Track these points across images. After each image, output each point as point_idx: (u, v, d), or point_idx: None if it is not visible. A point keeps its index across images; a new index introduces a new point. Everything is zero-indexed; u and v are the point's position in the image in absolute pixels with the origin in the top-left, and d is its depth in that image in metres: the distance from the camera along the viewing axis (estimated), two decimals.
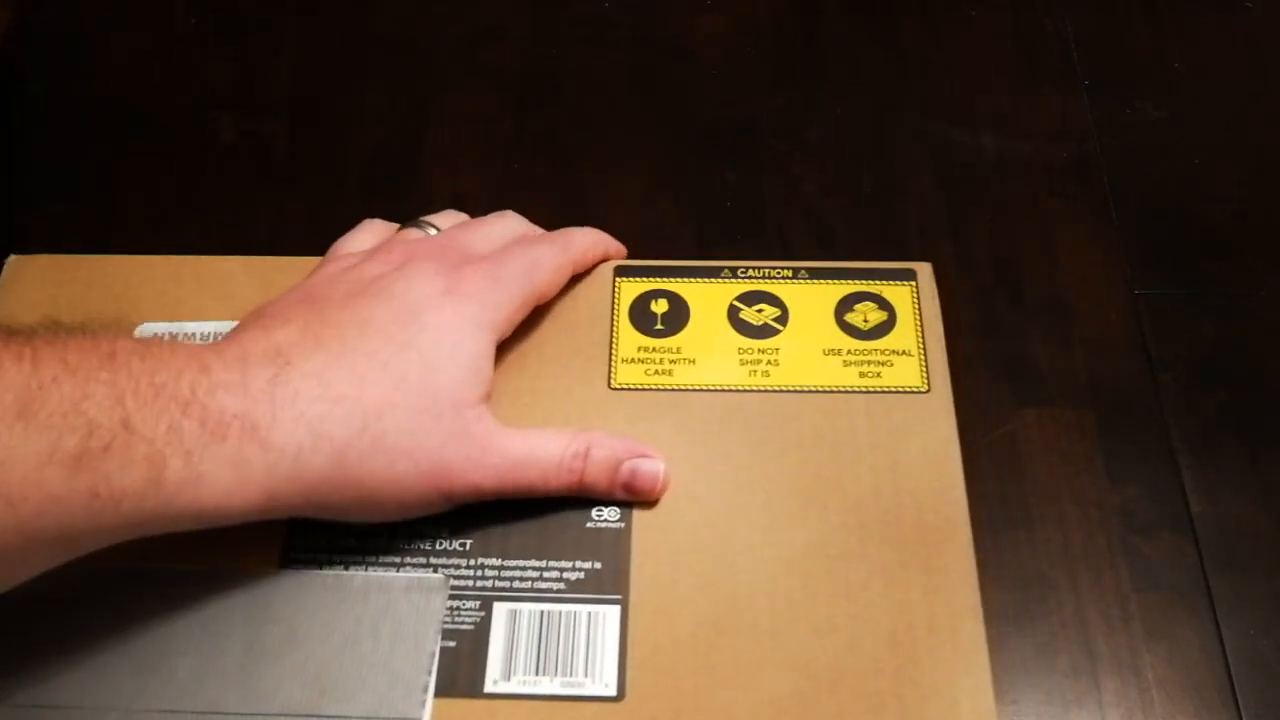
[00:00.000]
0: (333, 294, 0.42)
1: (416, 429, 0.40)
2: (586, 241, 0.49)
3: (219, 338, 0.46)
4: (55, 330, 0.37)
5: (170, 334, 0.47)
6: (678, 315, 0.48)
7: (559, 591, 0.41)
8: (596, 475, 0.42)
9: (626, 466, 0.43)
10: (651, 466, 0.43)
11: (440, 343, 0.41)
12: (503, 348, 0.46)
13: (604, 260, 0.49)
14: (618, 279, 0.49)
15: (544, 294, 0.46)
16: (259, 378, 0.38)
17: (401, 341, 0.41)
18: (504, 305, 0.44)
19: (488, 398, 0.42)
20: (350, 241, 0.47)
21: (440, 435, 0.40)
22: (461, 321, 0.42)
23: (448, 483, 0.41)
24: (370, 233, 0.48)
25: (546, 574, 0.42)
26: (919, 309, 0.48)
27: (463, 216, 0.49)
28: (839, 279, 0.49)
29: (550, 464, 0.42)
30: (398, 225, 0.48)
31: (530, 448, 0.42)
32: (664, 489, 0.43)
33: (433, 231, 0.47)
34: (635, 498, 0.43)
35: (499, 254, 0.45)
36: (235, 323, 0.47)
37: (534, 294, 0.45)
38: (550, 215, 0.53)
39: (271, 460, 0.38)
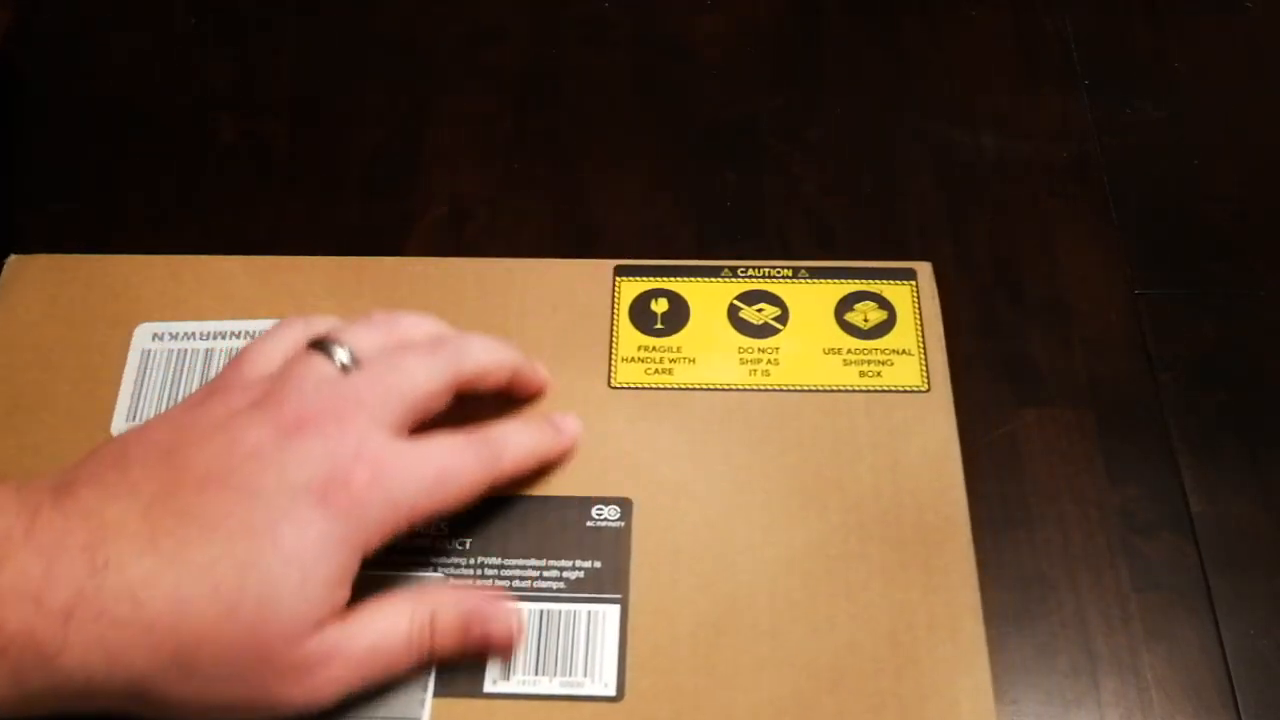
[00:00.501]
0: (196, 462, 0.36)
1: (235, 665, 0.35)
2: (522, 452, 0.42)
3: (231, 349, 0.46)
4: None
5: (170, 334, 0.47)
6: (678, 314, 0.48)
7: (558, 591, 0.41)
8: (446, 644, 0.39)
9: (477, 631, 0.39)
10: (502, 626, 0.39)
11: (289, 569, 0.35)
12: None
13: (543, 466, 0.43)
14: (618, 278, 0.49)
15: (448, 509, 0.39)
16: (61, 590, 0.33)
17: (244, 559, 0.35)
18: (386, 524, 0.37)
19: (337, 611, 0.37)
20: (259, 354, 0.41)
21: (264, 674, 0.35)
22: (325, 543, 0.36)
23: (270, 712, 0.36)
24: (284, 343, 0.41)
25: (546, 573, 0.42)
26: (919, 308, 0.48)
27: (400, 328, 0.42)
28: (839, 278, 0.49)
29: (397, 649, 0.38)
30: (315, 332, 0.41)
31: (373, 641, 0.37)
32: (520, 639, 0.40)
33: (343, 358, 0.39)
34: (493, 654, 0.40)
35: (407, 450, 0.38)
36: (235, 322, 0.47)
37: (433, 510, 0.39)
38: (550, 215, 0.53)
39: (57, 683, 0.33)
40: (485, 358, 0.42)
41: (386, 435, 0.38)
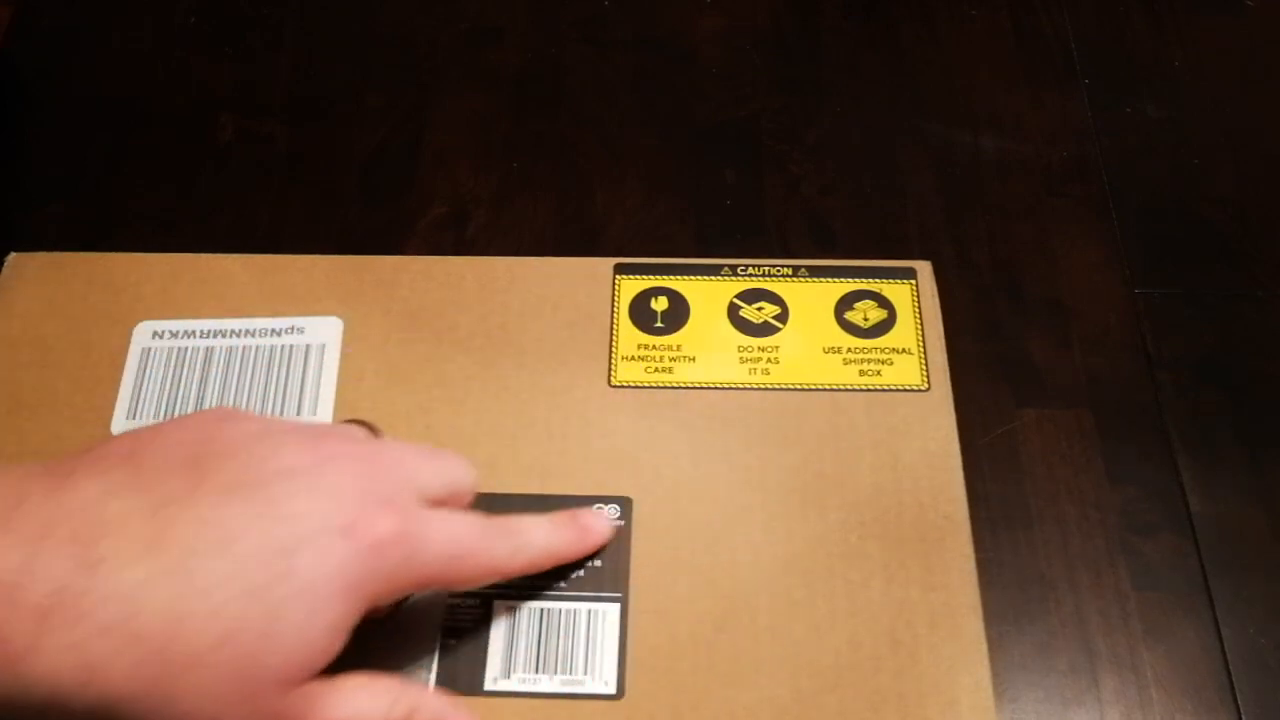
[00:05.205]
0: (223, 470, 0.34)
1: (218, 702, 0.32)
2: (540, 553, 0.40)
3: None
4: None
5: (170, 332, 0.47)
6: (678, 313, 0.48)
7: (559, 589, 0.41)
8: None
9: None
10: None
11: (298, 604, 0.32)
12: (501, 344, 0.47)
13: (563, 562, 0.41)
14: (618, 277, 0.49)
15: (453, 588, 0.39)
16: (39, 585, 0.30)
17: (253, 585, 0.32)
18: (398, 581, 0.35)
19: (330, 660, 0.34)
20: None
21: (245, 716, 0.32)
22: (339, 582, 0.33)
23: None
24: None
25: (547, 572, 0.41)
26: (919, 307, 0.48)
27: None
28: (839, 277, 0.49)
29: None
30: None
31: (350, 715, 0.34)
32: None
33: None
34: None
35: (434, 517, 0.36)
36: (235, 321, 0.47)
37: (441, 584, 0.38)
38: (550, 215, 0.53)
39: (18, 690, 0.30)
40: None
41: (417, 498, 0.36)
